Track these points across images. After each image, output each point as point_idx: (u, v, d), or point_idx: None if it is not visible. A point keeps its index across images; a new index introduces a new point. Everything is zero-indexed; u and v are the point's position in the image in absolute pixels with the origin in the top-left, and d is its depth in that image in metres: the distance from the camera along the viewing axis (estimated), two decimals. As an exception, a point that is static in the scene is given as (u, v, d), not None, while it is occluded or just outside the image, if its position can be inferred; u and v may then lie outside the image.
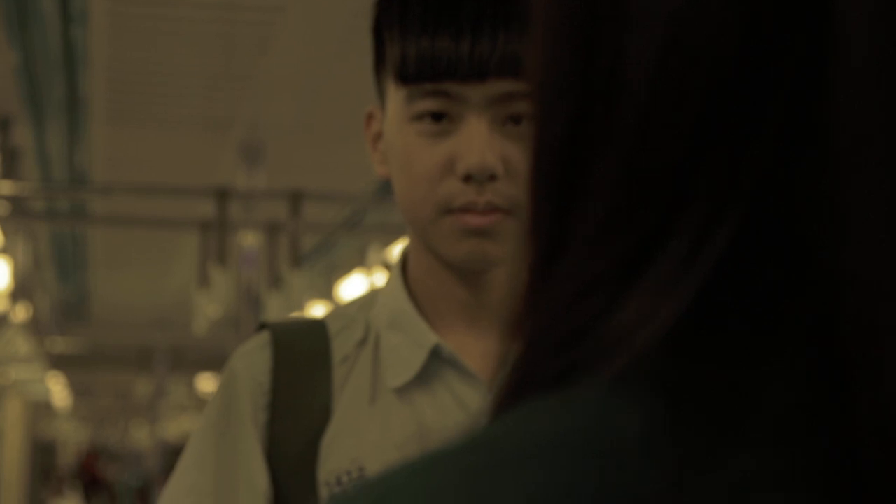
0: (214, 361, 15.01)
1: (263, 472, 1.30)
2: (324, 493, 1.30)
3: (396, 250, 7.94)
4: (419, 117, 1.28)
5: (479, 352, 1.35)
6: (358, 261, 7.69)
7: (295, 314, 5.69)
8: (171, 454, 15.53)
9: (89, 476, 17.66)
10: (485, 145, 1.26)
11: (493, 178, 1.26)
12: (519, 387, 0.46)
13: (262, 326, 1.38)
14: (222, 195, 5.23)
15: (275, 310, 5.73)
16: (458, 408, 1.32)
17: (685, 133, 0.42)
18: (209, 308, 5.19)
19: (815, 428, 0.41)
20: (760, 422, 0.41)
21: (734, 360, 0.42)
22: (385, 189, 6.96)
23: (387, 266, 7.39)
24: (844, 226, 0.41)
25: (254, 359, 1.35)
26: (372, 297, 1.40)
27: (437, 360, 1.33)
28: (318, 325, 1.37)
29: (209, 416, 1.35)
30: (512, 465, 0.41)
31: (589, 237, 0.44)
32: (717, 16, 0.42)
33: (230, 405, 1.33)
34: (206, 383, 17.41)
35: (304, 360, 1.34)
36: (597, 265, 0.44)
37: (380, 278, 7.42)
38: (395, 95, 1.30)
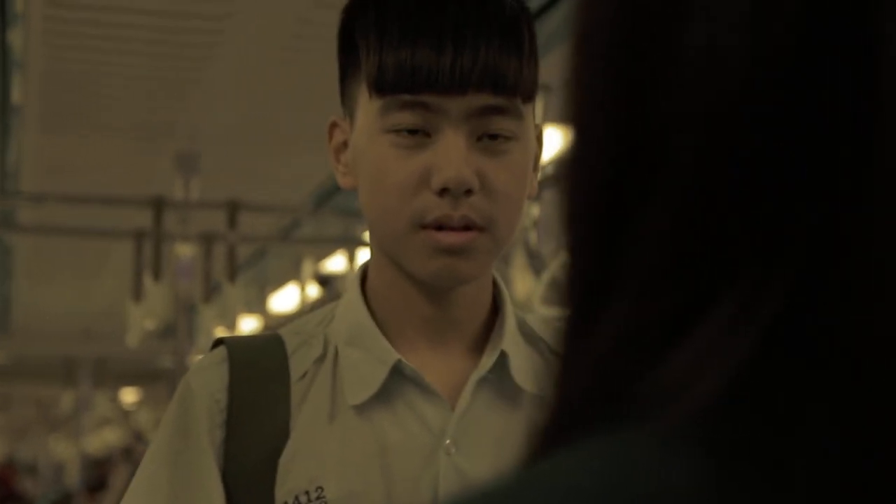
0: (141, 374, 14.89)
1: (220, 491, 1.27)
2: None
3: (330, 263, 7.93)
4: (394, 129, 1.25)
5: (441, 368, 1.32)
6: (291, 273, 7.64)
7: (228, 327, 5.63)
8: (93, 468, 15.35)
9: (6, 490, 17.41)
10: (461, 159, 1.24)
11: (468, 192, 1.24)
12: (558, 431, 0.45)
13: (219, 342, 1.35)
14: (158, 205, 5.16)
15: (209, 322, 5.66)
16: (419, 426, 1.29)
17: (736, 192, 0.42)
18: (145, 320, 5.11)
19: (857, 491, 0.41)
20: (804, 483, 0.41)
21: (781, 418, 0.42)
22: (321, 201, 6.92)
23: (319, 279, 7.34)
24: (889, 286, 0.41)
25: (210, 375, 1.31)
26: (330, 312, 1.37)
27: (398, 377, 1.30)
28: (276, 342, 1.33)
29: (163, 434, 1.31)
30: None
31: (637, 288, 0.44)
32: (767, 84, 0.42)
33: (186, 422, 1.30)
34: (131, 396, 17.25)
35: (261, 376, 1.31)
36: (645, 317, 0.44)
37: (313, 291, 7.38)
38: (368, 105, 1.27)
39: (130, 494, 1.30)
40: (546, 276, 3.41)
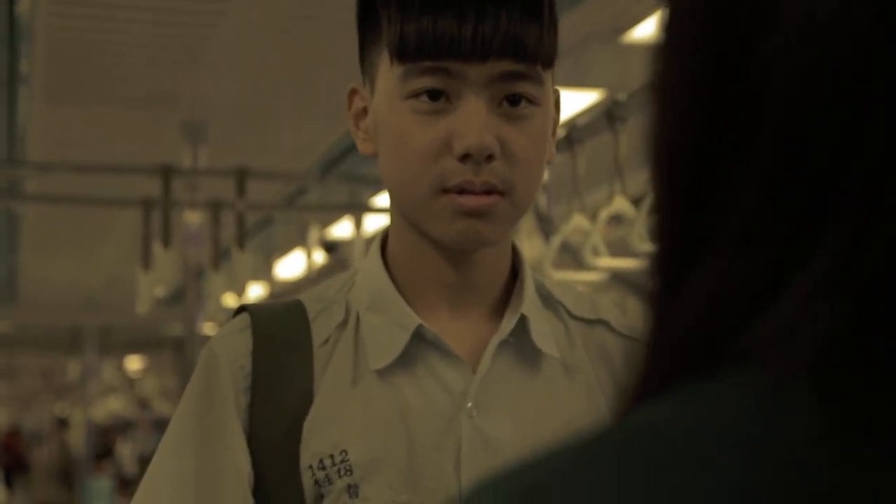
0: (146, 342, 14.92)
1: (245, 455, 1.29)
2: (306, 476, 1.28)
3: (337, 230, 7.93)
4: (415, 95, 1.27)
5: (462, 333, 1.34)
6: (298, 240, 7.65)
7: (237, 294, 5.65)
8: (99, 436, 15.39)
9: (12, 457, 17.44)
10: (483, 125, 1.25)
11: (490, 158, 1.26)
12: (652, 386, 0.45)
13: (241, 309, 1.37)
14: (167, 173, 5.17)
15: (218, 289, 5.68)
16: (440, 390, 1.31)
17: (833, 143, 0.42)
18: (155, 288, 5.13)
19: None
20: None
21: (887, 368, 0.42)
22: (328, 168, 6.93)
23: (326, 246, 7.35)
24: None
25: (234, 341, 1.33)
26: (350, 278, 1.39)
27: (419, 342, 1.32)
28: (297, 308, 1.35)
29: (189, 400, 1.33)
30: (675, 464, 0.41)
31: (733, 241, 0.44)
32: (867, 28, 0.42)
33: (211, 388, 1.31)
34: (136, 364, 17.26)
35: (284, 342, 1.33)
36: (743, 269, 0.44)
37: (319, 258, 7.39)
38: (389, 72, 1.29)
39: (158, 459, 1.32)
40: (556, 239, 3.42)
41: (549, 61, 1.30)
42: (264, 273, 8.78)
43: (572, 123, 3.53)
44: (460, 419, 1.30)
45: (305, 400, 1.30)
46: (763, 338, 0.42)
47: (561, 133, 3.95)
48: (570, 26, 4.25)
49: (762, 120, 0.43)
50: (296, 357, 1.32)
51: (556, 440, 0.43)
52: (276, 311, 1.36)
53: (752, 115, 0.44)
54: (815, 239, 0.42)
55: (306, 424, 1.29)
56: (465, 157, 1.25)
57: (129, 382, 17.89)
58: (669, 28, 0.47)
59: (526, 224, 3.76)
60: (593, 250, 3.29)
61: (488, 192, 1.27)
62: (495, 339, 1.33)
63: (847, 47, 0.42)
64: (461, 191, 1.26)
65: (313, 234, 7.11)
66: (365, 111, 1.36)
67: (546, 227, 3.66)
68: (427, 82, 1.26)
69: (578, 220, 3.36)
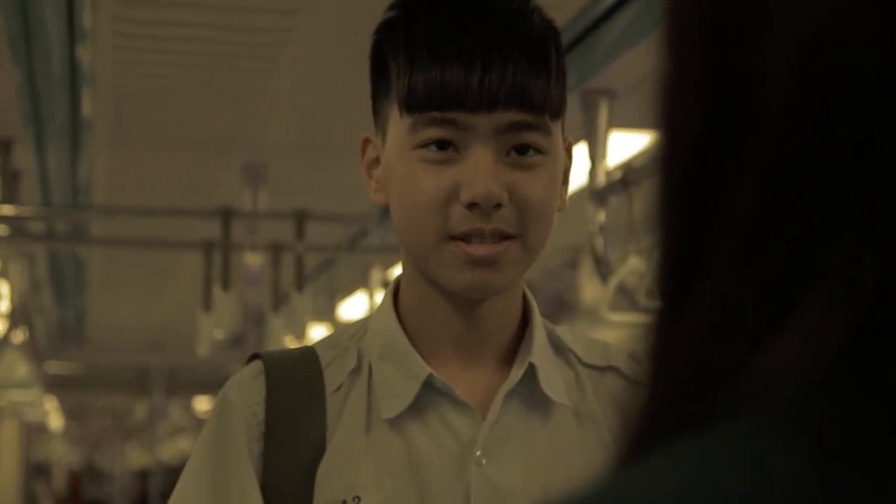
0: (213, 383, 15.04)
1: (259, 501, 1.30)
2: None
3: (398, 271, 7.93)
4: (424, 145, 1.29)
5: (472, 382, 1.35)
6: (360, 281, 7.67)
7: (297, 336, 5.66)
8: (169, 475, 15.52)
9: (75, 499, 17.67)
10: (490, 174, 1.26)
11: (498, 206, 1.27)
12: (652, 429, 0.42)
13: (255, 356, 1.38)
14: (227, 215, 5.20)
15: (278, 331, 5.70)
16: (450, 437, 1.32)
17: (832, 156, 0.38)
18: (215, 330, 5.16)
19: None
20: None
21: (884, 404, 0.38)
22: (388, 210, 6.94)
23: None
24: None
25: (247, 388, 1.34)
26: (362, 325, 1.40)
27: (429, 390, 1.33)
28: (310, 355, 1.37)
29: (203, 447, 1.34)
30: None
31: (727, 267, 0.41)
32: (865, 26, 0.38)
33: (225, 435, 1.33)
34: (204, 404, 17.42)
35: (298, 389, 1.34)
36: (738, 295, 0.40)
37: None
38: (399, 123, 1.31)
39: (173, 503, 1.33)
40: (613, 281, 3.39)
41: (556, 111, 1.32)
42: (327, 315, 8.82)
43: (628, 165, 3.51)
44: (469, 466, 1.31)
45: (318, 446, 1.31)
46: (756, 375, 0.39)
47: (617, 175, 3.94)
48: (626, 69, 4.24)
49: (755, 125, 0.40)
50: (309, 404, 1.33)
51: (558, 493, 0.41)
52: (289, 359, 1.37)
53: (746, 121, 0.40)
54: (813, 263, 0.39)
55: (320, 471, 1.30)
56: (472, 206, 1.27)
57: (198, 423, 18.04)
58: (669, 30, 0.44)
59: (585, 267, 3.74)
60: (649, 292, 3.26)
61: (499, 238, 1.27)
62: (503, 388, 1.34)
63: (843, 46, 0.38)
64: (469, 238, 1.27)
65: (375, 275, 7.13)
66: (377, 161, 1.39)
67: (603, 269, 3.64)
68: (435, 133, 1.28)
69: (635, 262, 3.33)
